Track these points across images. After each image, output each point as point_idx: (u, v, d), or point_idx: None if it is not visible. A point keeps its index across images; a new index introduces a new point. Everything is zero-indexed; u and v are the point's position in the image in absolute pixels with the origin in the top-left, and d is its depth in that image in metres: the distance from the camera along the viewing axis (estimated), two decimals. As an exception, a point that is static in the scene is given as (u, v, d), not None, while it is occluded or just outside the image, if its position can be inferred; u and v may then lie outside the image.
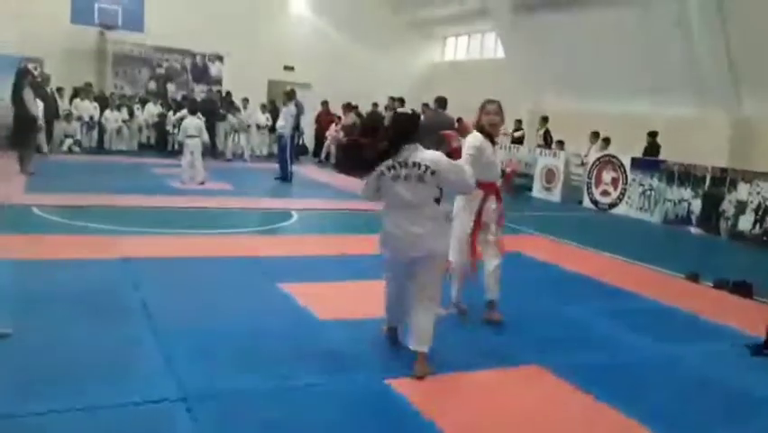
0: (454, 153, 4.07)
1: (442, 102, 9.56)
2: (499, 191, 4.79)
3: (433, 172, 3.65)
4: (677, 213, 10.68)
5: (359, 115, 15.40)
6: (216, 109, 16.02)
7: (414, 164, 3.67)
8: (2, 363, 3.38)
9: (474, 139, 4.58)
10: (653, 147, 12.10)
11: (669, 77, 12.52)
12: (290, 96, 12.68)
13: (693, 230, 10.23)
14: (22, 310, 4.19)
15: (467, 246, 4.63)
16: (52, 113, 13.97)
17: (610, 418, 3.36)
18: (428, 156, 3.71)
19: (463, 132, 4.63)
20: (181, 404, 3.11)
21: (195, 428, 2.90)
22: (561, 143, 13.84)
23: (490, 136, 4.68)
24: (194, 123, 11.22)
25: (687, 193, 10.54)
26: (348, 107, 16.16)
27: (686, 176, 10.58)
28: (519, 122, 15.32)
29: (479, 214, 4.63)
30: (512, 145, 14.80)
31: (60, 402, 3.00)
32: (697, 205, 10.33)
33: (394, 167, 3.70)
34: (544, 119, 14.73)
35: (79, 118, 15.29)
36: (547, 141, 14.34)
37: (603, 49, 13.49)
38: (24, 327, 3.89)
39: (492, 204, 4.71)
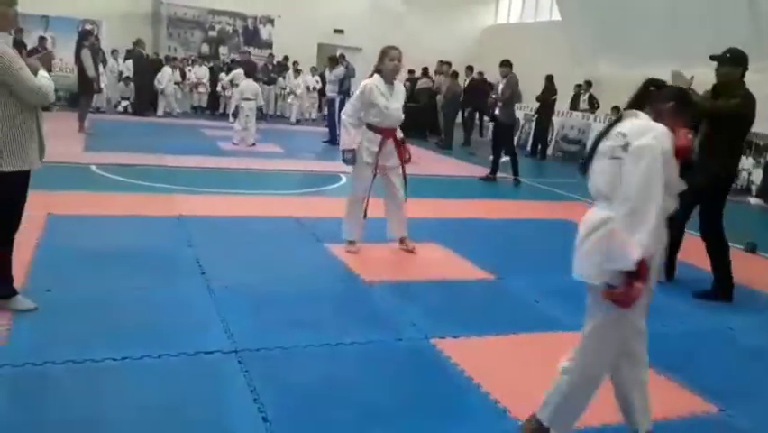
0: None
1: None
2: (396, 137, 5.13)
3: None
4: (737, 183, 10.29)
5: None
6: (254, 71, 16.01)
7: None
8: (65, 316, 3.53)
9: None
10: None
11: (728, 39, 11.91)
12: (336, 60, 12.67)
13: (753, 200, 9.86)
14: (80, 265, 4.36)
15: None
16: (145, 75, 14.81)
17: (661, 384, 3.31)
18: None
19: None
20: (233, 356, 3.21)
21: (245, 379, 2.99)
22: (617, 109, 13.42)
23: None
24: (251, 86, 11.35)
25: (747, 162, 10.13)
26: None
27: (747, 144, 10.15)
28: (579, 86, 14.92)
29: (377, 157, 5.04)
30: (568, 111, 14.45)
31: (118, 352, 3.13)
32: (758, 175, 9.94)
33: None
34: (588, 84, 14.35)
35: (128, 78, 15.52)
36: (593, 106, 13.98)
37: (661, 11, 12.93)
38: (83, 281, 4.06)
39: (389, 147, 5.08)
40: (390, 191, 5.21)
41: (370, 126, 5.02)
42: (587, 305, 2.53)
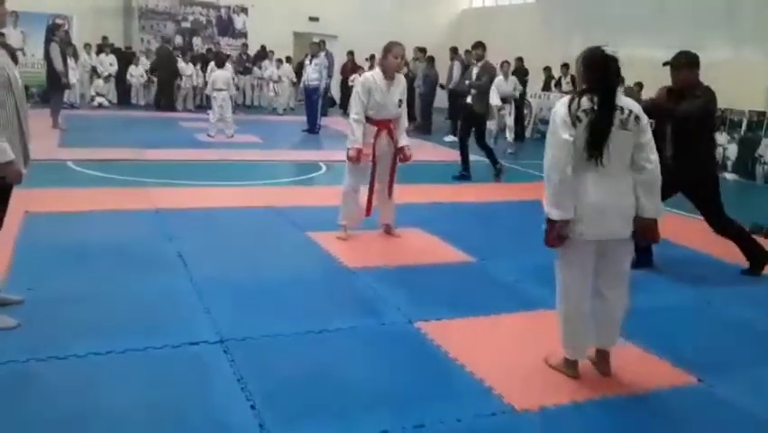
0: None
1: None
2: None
3: None
4: (712, 159, 10.44)
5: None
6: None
7: None
8: (47, 313, 3.50)
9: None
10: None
11: (705, 20, 12.07)
12: (318, 47, 12.55)
13: (729, 176, 10.01)
14: (61, 262, 4.33)
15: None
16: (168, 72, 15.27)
17: (642, 358, 3.38)
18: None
19: None
20: (218, 346, 3.21)
21: (231, 368, 3.00)
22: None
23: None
24: (222, 76, 11.23)
25: (722, 138, 10.28)
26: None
27: (722, 121, 10.30)
28: (564, 66, 14.90)
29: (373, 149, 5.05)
30: (545, 92, 14.50)
31: (102, 347, 3.12)
32: (733, 150, 10.09)
33: None
34: (565, 66, 14.39)
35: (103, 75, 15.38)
36: (575, 87, 14.01)
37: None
38: (64, 278, 4.04)
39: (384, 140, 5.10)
40: (383, 181, 5.24)
41: (367, 119, 5.03)
42: None
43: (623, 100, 2.93)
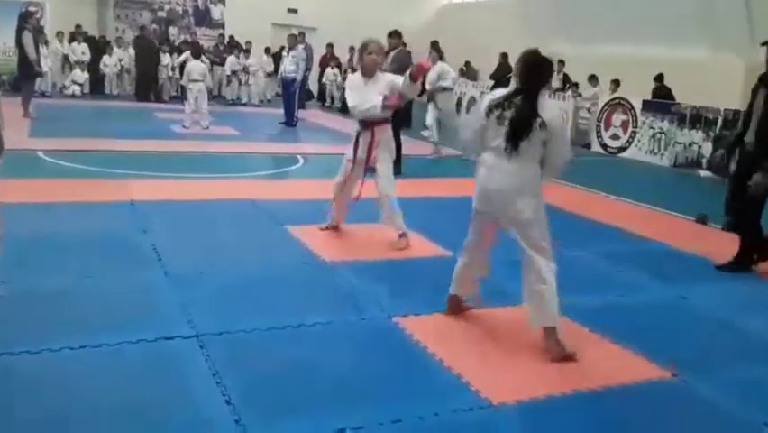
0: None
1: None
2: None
3: None
4: (687, 156, 10.58)
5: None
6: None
7: None
8: (20, 306, 3.43)
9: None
10: (660, 90, 11.91)
11: (682, 19, 12.21)
12: (297, 39, 12.44)
13: (703, 173, 10.15)
14: (34, 255, 4.23)
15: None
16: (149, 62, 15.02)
17: (617, 352, 3.40)
18: None
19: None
20: (194, 341, 3.17)
21: (207, 363, 2.96)
22: (576, 86, 13.60)
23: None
24: (198, 67, 11.09)
25: (698, 136, 10.42)
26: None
27: (697, 119, 10.45)
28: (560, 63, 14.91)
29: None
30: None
31: (76, 341, 3.06)
32: (707, 148, 10.23)
33: None
34: (561, 63, 14.40)
35: (77, 62, 15.13)
36: (566, 85, 14.03)
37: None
38: (38, 271, 3.95)
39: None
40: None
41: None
42: None
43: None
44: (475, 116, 3.42)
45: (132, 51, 15.69)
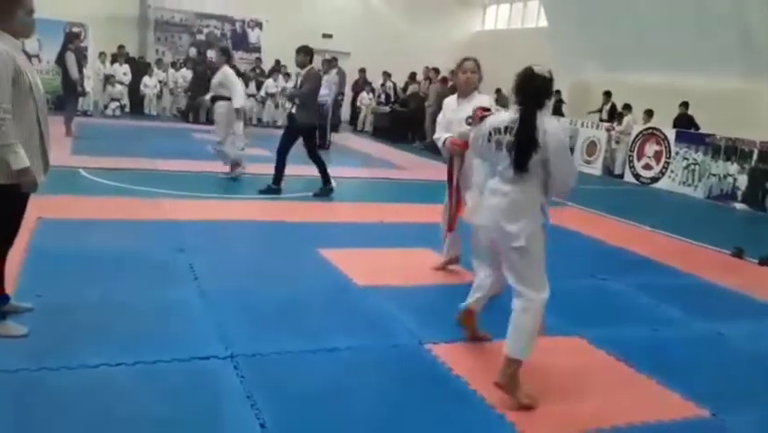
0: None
1: None
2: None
3: None
4: (722, 188, 10.42)
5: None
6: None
7: None
8: (56, 321, 3.51)
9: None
10: (682, 118, 11.81)
11: (717, 47, 12.09)
12: (331, 63, 12.62)
13: (738, 206, 9.99)
14: (71, 270, 4.33)
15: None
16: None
17: (653, 389, 3.35)
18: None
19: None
20: (228, 361, 3.20)
21: (241, 385, 2.98)
22: (621, 115, 13.37)
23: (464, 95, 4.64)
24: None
25: (733, 168, 10.27)
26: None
27: (732, 150, 10.30)
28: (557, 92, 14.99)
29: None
30: (554, 117, 14.51)
31: (112, 358, 3.11)
32: (743, 180, 10.07)
33: None
34: (607, 94, 14.29)
35: (120, 82, 15.52)
36: (613, 116, 13.85)
37: (648, 18, 13.06)
38: (73, 286, 4.04)
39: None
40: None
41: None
42: None
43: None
44: (479, 141, 3.28)
45: (172, 72, 16.06)
